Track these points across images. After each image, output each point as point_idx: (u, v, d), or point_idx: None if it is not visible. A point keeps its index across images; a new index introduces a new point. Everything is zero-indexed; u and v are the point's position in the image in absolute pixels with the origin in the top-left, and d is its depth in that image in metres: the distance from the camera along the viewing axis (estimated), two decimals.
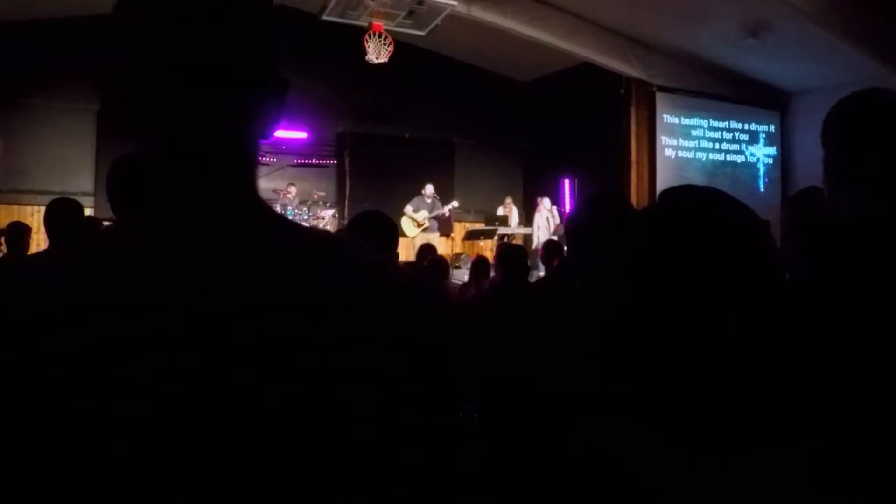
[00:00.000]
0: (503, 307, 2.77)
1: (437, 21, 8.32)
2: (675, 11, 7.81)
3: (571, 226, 1.99)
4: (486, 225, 10.63)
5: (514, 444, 1.45)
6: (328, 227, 9.68)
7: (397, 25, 8.36)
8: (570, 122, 10.54)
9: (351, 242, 0.69)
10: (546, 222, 10.10)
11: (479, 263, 5.87)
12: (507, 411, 1.64)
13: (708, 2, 7.58)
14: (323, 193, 10.62)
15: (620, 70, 9.27)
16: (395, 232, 2.64)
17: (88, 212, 6.70)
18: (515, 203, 11.27)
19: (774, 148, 10.23)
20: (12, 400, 0.53)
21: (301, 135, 10.61)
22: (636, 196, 9.15)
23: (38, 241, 5.12)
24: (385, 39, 8.33)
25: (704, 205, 0.82)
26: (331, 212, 10.22)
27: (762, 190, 10.04)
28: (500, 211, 10.93)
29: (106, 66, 0.61)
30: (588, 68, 9.48)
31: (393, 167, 10.96)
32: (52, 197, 3.13)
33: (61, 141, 9.53)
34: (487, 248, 10.43)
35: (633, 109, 9.47)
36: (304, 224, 7.86)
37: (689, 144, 9.75)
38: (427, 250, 6.18)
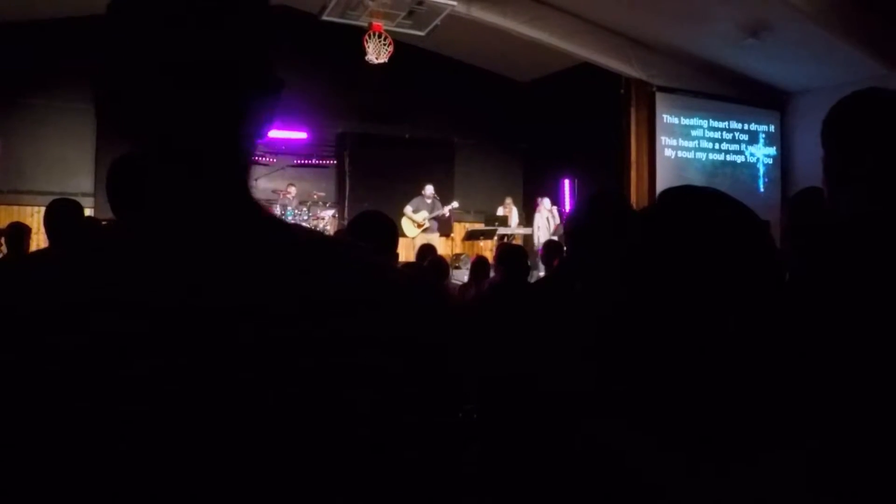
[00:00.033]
0: (503, 307, 2.77)
1: (437, 21, 8.32)
2: (675, 11, 7.81)
3: (571, 226, 1.99)
4: (486, 225, 10.63)
5: (514, 445, 1.45)
6: (328, 228, 9.68)
7: (397, 26, 8.37)
8: (569, 122, 10.54)
9: (349, 244, 0.69)
10: (546, 222, 10.10)
11: (479, 264, 5.88)
12: (507, 411, 1.64)
13: (708, 2, 7.58)
14: (323, 194, 10.62)
15: (620, 70, 9.28)
16: (395, 232, 2.64)
17: (88, 212, 6.69)
18: (515, 203, 11.27)
19: (774, 148, 10.23)
20: (13, 400, 0.53)
21: (301, 135, 10.61)
22: (636, 196, 9.16)
23: (38, 242, 5.12)
24: (385, 40, 8.34)
25: (704, 205, 0.82)
26: (331, 212, 10.22)
27: (762, 190, 10.04)
28: (500, 211, 10.93)
29: (98, 65, 0.61)
30: (588, 68, 9.49)
31: (393, 167, 10.96)
32: (51, 197, 3.13)
33: (61, 141, 9.54)
34: (487, 248, 10.42)
35: (632, 109, 9.48)
36: (304, 224, 7.87)
37: (689, 144, 9.75)
38: (427, 251, 6.19)
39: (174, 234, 0.61)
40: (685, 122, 9.73)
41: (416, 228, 10.02)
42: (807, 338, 1.03)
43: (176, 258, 0.59)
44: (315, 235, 0.70)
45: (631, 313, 0.80)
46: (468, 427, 1.87)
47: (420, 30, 8.54)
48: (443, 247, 10.14)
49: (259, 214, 0.65)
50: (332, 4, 7.97)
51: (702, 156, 9.81)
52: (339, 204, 10.85)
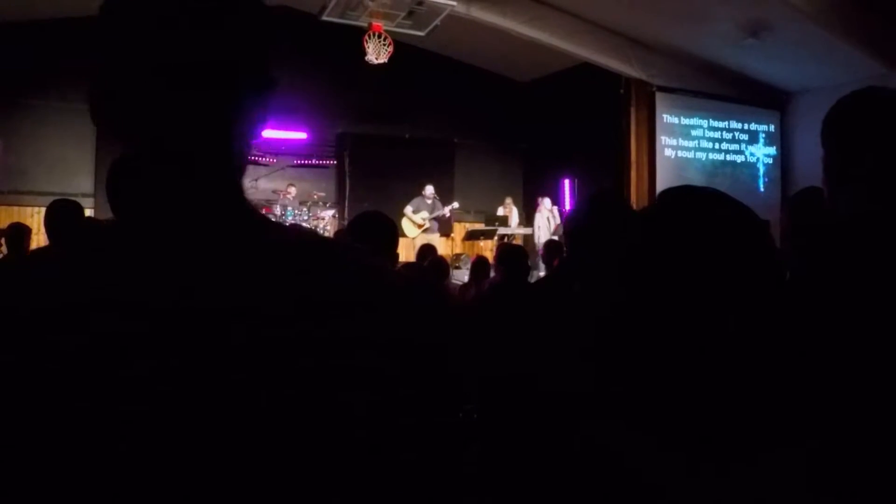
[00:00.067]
0: (503, 308, 2.77)
1: (437, 21, 8.33)
2: (675, 11, 7.82)
3: (571, 226, 1.99)
4: (486, 225, 10.63)
5: (514, 445, 1.45)
6: (328, 228, 9.68)
7: (397, 26, 8.37)
8: (569, 122, 10.55)
9: (345, 245, 0.69)
10: (547, 222, 10.11)
11: (479, 264, 5.88)
12: (506, 412, 1.64)
13: (708, 2, 7.58)
14: (323, 194, 10.62)
15: (620, 70, 9.28)
16: (396, 233, 2.64)
17: (88, 212, 6.69)
18: (515, 203, 11.28)
19: (774, 148, 10.24)
20: (13, 399, 0.53)
21: (301, 135, 10.62)
22: (636, 196, 9.16)
23: (39, 242, 5.12)
24: (385, 40, 8.34)
25: (704, 205, 0.82)
26: (331, 212, 10.22)
27: (762, 190, 10.04)
28: (500, 211, 10.93)
29: (92, 66, 0.61)
30: (588, 68, 9.49)
31: (393, 167, 10.96)
32: (52, 198, 3.14)
33: (61, 141, 9.54)
34: (487, 248, 10.43)
35: (632, 109, 9.48)
36: (305, 224, 7.86)
37: (689, 144, 9.75)
38: (427, 251, 6.19)
39: (167, 235, 0.61)
40: (685, 121, 9.73)
41: (416, 229, 10.02)
42: (807, 337, 1.03)
43: (168, 259, 0.59)
44: (309, 236, 0.70)
45: (630, 313, 0.80)
46: (468, 427, 1.88)
47: (420, 30, 8.54)
48: (443, 247, 10.14)
49: (252, 215, 0.65)
50: (331, 5, 7.97)
51: (702, 156, 9.81)
52: (339, 204, 10.85)
